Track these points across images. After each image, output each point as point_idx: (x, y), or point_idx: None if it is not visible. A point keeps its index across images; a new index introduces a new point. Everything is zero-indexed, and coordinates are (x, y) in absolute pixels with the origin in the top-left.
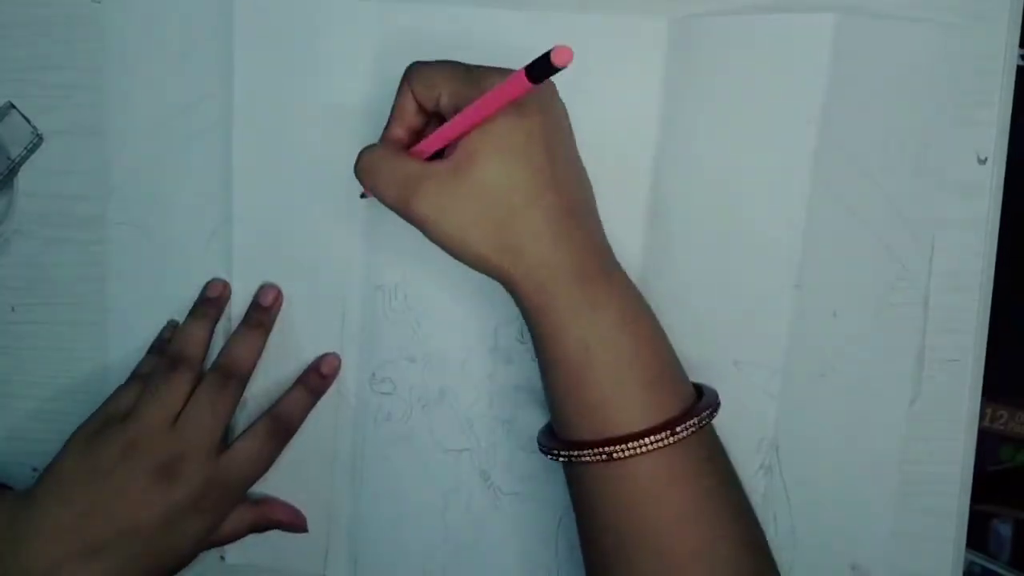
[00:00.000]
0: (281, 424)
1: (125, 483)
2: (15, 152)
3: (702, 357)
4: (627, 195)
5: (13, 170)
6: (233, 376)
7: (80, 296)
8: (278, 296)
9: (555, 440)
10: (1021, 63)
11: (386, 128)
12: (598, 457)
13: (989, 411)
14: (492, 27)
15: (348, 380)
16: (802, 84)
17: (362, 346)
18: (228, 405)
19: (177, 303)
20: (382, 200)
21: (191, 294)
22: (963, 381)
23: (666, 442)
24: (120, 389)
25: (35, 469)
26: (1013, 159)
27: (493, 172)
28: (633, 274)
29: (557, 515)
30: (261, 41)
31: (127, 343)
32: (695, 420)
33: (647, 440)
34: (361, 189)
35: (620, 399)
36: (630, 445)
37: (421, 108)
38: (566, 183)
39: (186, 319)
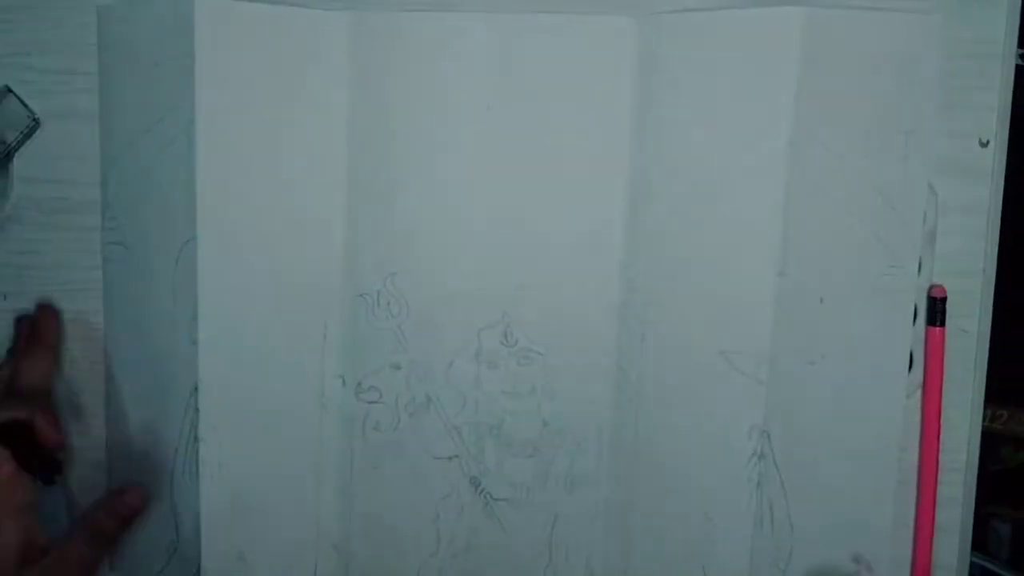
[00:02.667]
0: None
1: None
2: (11, 136)
3: (688, 347)
4: (607, 190)
5: (9, 155)
6: None
7: (74, 284)
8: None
9: None
10: (1020, 62)
11: None
12: None
13: (989, 411)
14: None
15: (332, 392)
16: (774, 76)
17: (346, 355)
18: None
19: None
20: None
21: (168, 308)
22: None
23: None
24: None
25: None
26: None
27: None
28: (615, 267)
29: (550, 519)
30: (223, 50)
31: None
32: None
33: None
34: None
35: None
36: None
37: None
38: None
39: None
